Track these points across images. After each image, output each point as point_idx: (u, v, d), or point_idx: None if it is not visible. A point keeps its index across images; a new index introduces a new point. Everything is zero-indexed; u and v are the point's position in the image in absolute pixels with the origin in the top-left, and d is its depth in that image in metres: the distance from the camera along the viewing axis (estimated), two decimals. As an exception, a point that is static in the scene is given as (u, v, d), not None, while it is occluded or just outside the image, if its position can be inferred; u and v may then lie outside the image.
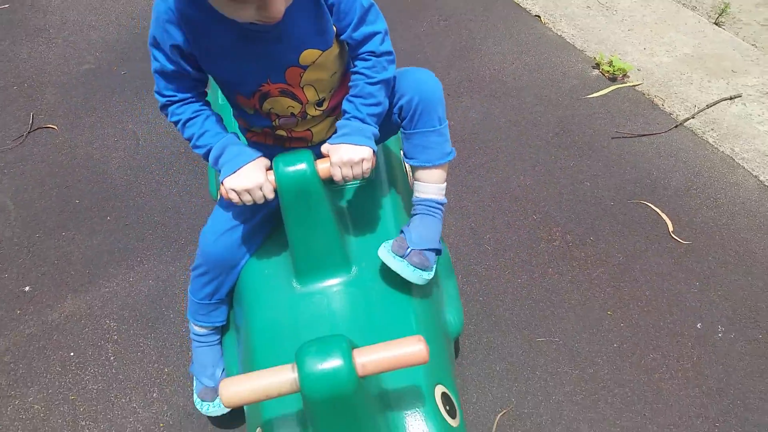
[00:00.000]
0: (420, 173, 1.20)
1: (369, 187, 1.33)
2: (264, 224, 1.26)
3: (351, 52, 1.14)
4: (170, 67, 1.05)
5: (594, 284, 1.68)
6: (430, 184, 1.20)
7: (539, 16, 2.65)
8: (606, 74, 2.31)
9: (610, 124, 2.14)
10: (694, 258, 1.72)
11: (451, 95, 2.33)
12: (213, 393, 1.34)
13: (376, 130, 1.12)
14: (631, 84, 2.27)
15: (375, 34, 1.10)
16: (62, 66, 2.68)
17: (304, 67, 1.09)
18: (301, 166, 1.08)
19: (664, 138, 2.06)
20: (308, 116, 1.18)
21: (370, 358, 0.82)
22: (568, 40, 2.52)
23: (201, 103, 1.12)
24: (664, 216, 1.82)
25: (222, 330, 1.38)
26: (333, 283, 1.16)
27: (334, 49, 1.11)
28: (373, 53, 1.11)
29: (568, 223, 1.84)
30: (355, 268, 1.18)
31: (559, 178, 1.98)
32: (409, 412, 0.97)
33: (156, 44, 1.03)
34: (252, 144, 1.25)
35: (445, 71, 2.43)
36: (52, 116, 2.42)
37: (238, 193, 1.06)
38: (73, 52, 2.76)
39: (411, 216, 1.23)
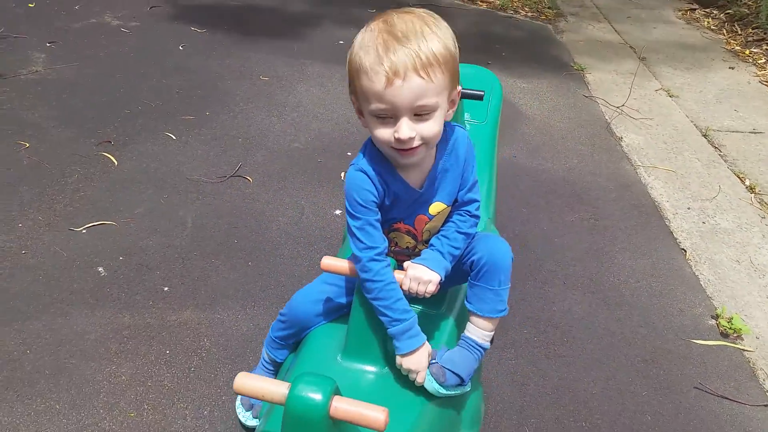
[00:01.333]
0: (472, 317, 1.43)
1: (435, 312, 1.56)
2: (342, 308, 1.55)
3: (453, 206, 1.45)
4: (372, 218, 1.34)
5: None
6: (478, 329, 1.42)
7: (685, 251, 2.75)
8: (721, 328, 2.33)
9: (699, 374, 2.16)
10: None
11: (567, 285, 2.50)
12: (251, 406, 1.75)
13: (449, 266, 1.39)
14: (741, 347, 2.27)
15: (475, 201, 1.44)
16: (279, 138, 3.31)
17: (431, 217, 1.42)
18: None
19: (747, 411, 2.04)
20: (417, 250, 1.48)
21: (342, 405, 1.04)
22: (701, 282, 2.58)
23: (392, 273, 1.38)
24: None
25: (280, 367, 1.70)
26: (367, 368, 1.40)
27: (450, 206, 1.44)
28: (468, 212, 1.44)
29: (612, 443, 1.89)
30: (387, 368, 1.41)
31: (627, 403, 2.04)
32: None
33: (358, 205, 1.33)
34: None
35: (573, 262, 2.62)
36: (253, 171, 3.00)
37: (410, 371, 1.35)
38: (293, 131, 3.39)
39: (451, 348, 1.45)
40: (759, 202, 3.16)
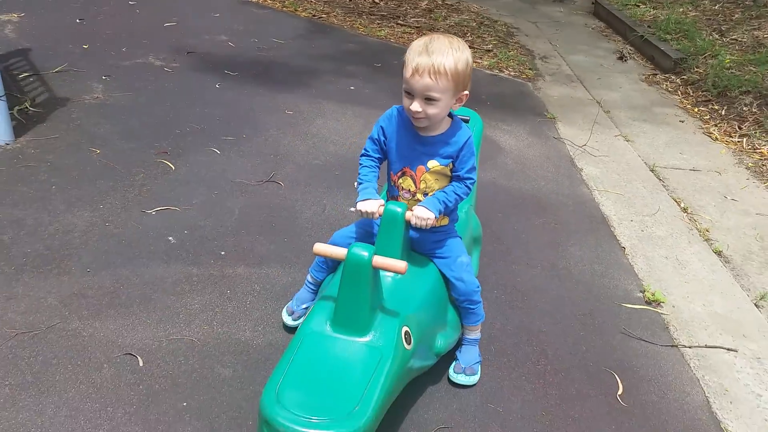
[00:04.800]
0: (464, 327, 2.33)
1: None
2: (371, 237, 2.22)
3: (455, 176, 2.15)
4: (375, 136, 2.15)
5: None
6: (470, 331, 2.33)
7: (625, 248, 3.49)
8: (645, 298, 3.05)
9: (625, 324, 2.87)
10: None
11: (529, 265, 3.21)
12: (292, 312, 2.46)
13: (442, 209, 2.09)
14: (659, 311, 2.98)
15: (470, 179, 2.14)
16: (303, 156, 4.08)
17: (428, 169, 2.12)
18: (398, 209, 2.08)
19: (658, 349, 2.74)
20: (416, 197, 2.18)
21: (378, 260, 1.81)
22: (635, 269, 3.32)
23: (376, 165, 2.19)
24: (620, 384, 2.49)
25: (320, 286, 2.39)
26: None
27: (446, 170, 2.13)
28: (464, 182, 2.14)
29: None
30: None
31: (569, 339, 2.73)
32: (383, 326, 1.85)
33: (378, 123, 2.15)
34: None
35: (536, 250, 3.34)
36: (284, 179, 3.75)
37: (362, 211, 2.08)
38: (314, 152, 4.16)
39: (460, 346, 2.34)
40: (689, 219, 3.93)
